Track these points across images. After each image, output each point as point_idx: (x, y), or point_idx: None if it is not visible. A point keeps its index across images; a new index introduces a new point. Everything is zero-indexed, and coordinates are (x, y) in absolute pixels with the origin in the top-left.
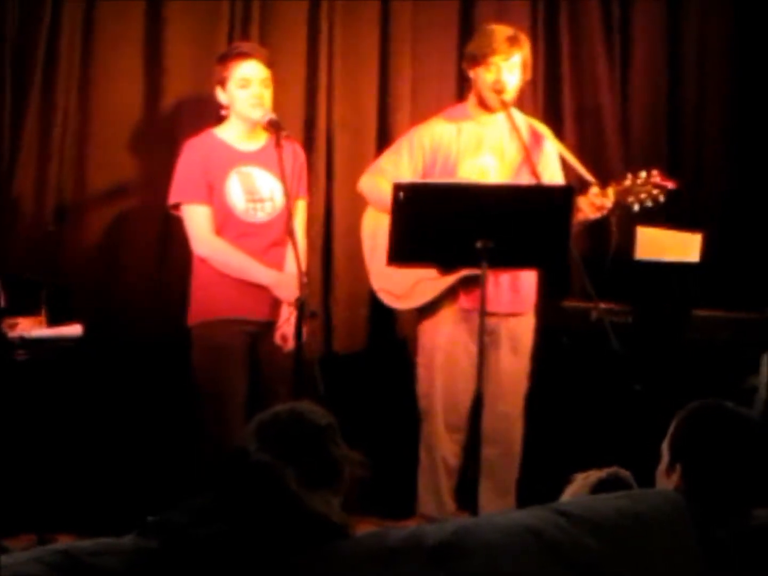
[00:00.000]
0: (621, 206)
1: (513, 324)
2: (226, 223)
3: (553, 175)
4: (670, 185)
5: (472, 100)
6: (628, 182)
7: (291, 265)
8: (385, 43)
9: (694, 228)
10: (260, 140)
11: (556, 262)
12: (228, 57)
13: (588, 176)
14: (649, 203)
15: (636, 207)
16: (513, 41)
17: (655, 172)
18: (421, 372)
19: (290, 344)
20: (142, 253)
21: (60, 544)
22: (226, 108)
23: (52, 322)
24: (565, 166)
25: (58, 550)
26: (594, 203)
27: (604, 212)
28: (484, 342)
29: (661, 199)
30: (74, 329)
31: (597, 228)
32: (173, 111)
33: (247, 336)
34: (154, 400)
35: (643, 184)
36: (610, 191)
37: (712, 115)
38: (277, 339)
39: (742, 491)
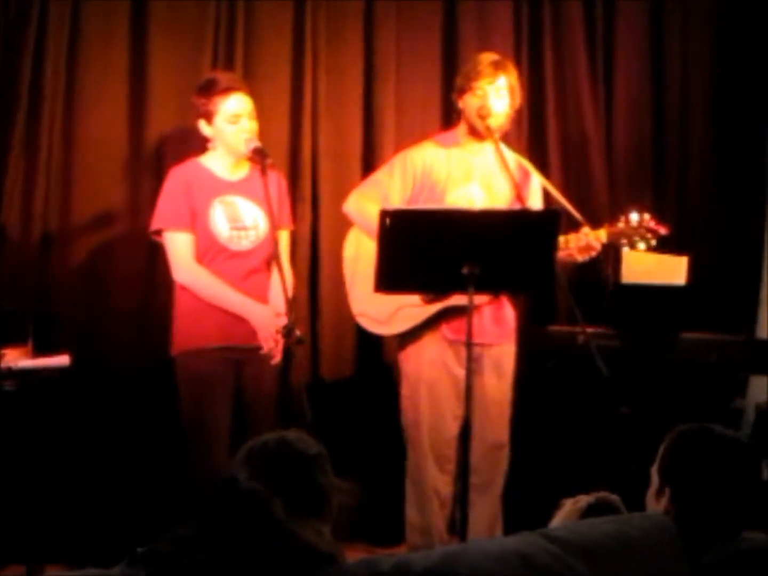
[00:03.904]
0: (612, 248)
1: (495, 351)
2: (209, 250)
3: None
4: (662, 231)
5: (462, 128)
6: (621, 225)
7: (277, 293)
8: (369, 71)
9: (680, 251)
10: (244, 170)
11: (542, 286)
12: (213, 91)
13: (576, 215)
14: (641, 246)
15: (627, 249)
16: (498, 65)
17: (647, 217)
18: (406, 403)
19: (277, 357)
20: (128, 282)
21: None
22: (210, 140)
23: (39, 351)
24: (552, 203)
25: None
26: (585, 243)
27: (592, 254)
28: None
29: (653, 243)
30: (61, 359)
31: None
32: (158, 139)
33: (231, 364)
34: (141, 430)
35: (636, 228)
36: (603, 233)
37: (696, 142)
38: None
39: (731, 514)
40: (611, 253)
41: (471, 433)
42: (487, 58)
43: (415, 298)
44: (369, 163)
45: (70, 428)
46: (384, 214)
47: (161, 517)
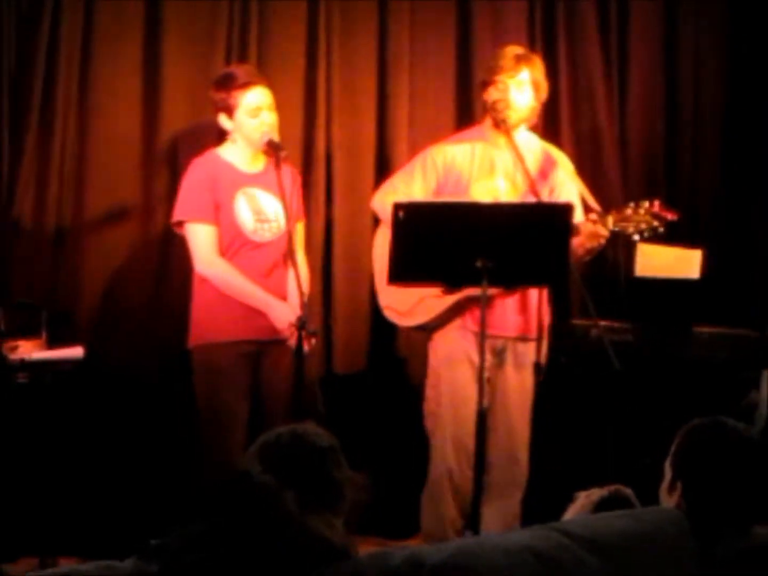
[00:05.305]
0: (621, 235)
1: (521, 347)
2: (234, 242)
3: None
4: (670, 217)
5: (488, 121)
6: (629, 211)
7: (293, 286)
8: (383, 65)
9: (694, 245)
10: (261, 163)
11: (556, 279)
12: (232, 85)
13: (593, 203)
14: (648, 233)
15: (636, 237)
16: (520, 59)
17: (656, 203)
18: (429, 392)
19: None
20: (141, 276)
21: (61, 568)
22: (229, 133)
23: (52, 345)
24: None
25: (60, 573)
26: (591, 231)
27: (601, 241)
28: (492, 362)
29: (661, 230)
30: (75, 351)
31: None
32: (171, 135)
33: (248, 357)
34: (155, 423)
35: (644, 214)
36: (610, 219)
37: (709, 136)
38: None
39: (742, 509)
40: (621, 241)
41: (485, 426)
42: (511, 51)
43: (436, 290)
44: (383, 157)
45: (84, 420)
46: (397, 207)
47: (174, 510)
